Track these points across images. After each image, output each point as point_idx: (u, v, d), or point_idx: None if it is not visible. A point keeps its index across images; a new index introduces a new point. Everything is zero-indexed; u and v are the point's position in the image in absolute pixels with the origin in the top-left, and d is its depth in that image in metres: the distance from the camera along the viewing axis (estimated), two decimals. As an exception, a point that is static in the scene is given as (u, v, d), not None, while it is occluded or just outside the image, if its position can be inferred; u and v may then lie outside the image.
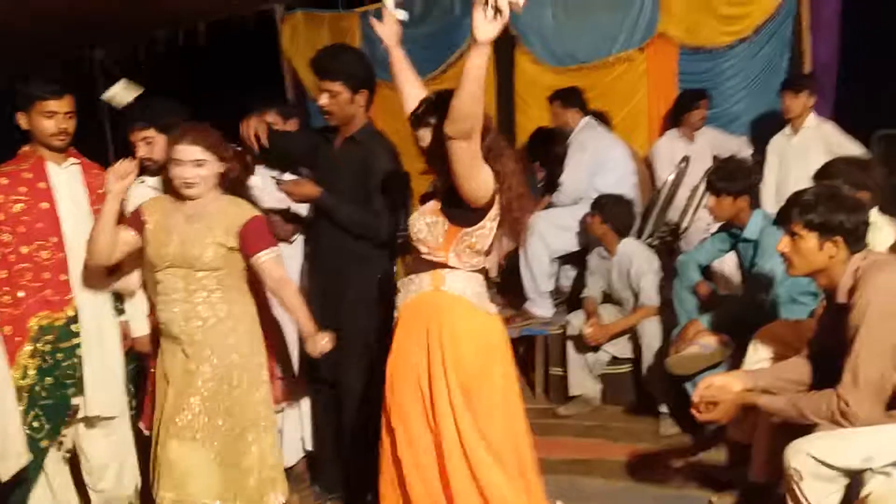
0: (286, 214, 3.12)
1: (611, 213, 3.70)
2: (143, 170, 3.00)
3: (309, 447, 3.22)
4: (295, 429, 3.18)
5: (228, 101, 4.20)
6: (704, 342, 3.09)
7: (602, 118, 4.65)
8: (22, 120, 2.63)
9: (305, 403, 3.18)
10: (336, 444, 2.94)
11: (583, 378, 3.83)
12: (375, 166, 2.76)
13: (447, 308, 2.14)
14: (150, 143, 2.94)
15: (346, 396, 2.82)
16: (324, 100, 2.75)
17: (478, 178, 2.01)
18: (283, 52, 6.07)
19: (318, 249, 2.92)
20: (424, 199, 2.30)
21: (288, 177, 3.03)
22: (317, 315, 2.79)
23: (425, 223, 2.16)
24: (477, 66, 1.82)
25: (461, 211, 2.08)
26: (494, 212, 2.11)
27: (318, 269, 2.91)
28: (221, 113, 3.51)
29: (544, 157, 5.01)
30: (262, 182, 3.00)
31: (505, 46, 5.47)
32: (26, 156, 2.68)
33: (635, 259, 3.66)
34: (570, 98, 4.46)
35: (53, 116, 2.60)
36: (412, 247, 2.24)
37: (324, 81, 2.74)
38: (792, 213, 2.13)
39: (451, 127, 1.89)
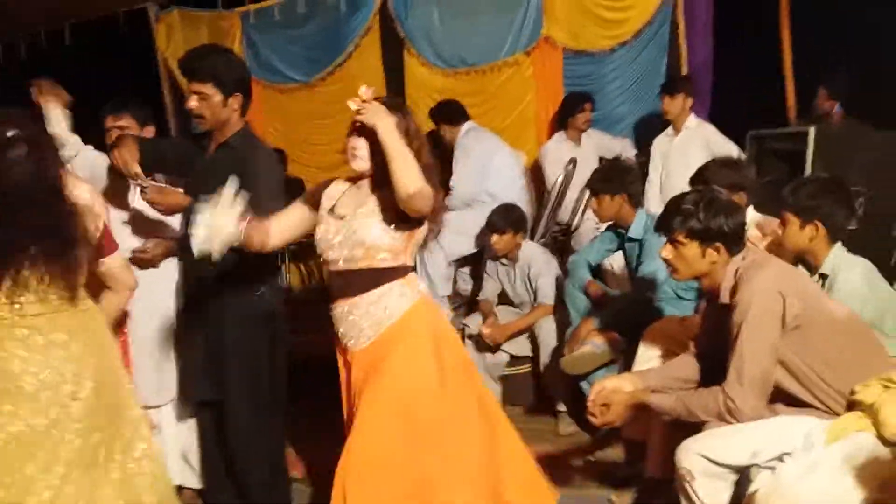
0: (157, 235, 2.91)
1: (511, 225, 3.71)
2: None
3: (178, 480, 2.95)
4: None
5: (100, 106, 3.94)
6: (596, 341, 3.16)
7: None
8: None
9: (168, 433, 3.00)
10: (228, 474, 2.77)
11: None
12: (251, 172, 2.59)
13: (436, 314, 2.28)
14: None
15: (230, 418, 2.61)
16: (193, 102, 2.54)
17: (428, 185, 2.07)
18: (159, 54, 5.76)
19: (192, 267, 2.65)
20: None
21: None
22: (195, 334, 2.66)
23: (382, 230, 2.13)
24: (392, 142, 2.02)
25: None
26: None
27: (193, 287, 2.68)
28: (94, 119, 3.30)
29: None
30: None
31: (394, 48, 5.43)
32: None
33: (534, 261, 3.72)
34: (453, 116, 4.48)
35: None
36: (346, 260, 2.16)
37: (193, 83, 2.55)
38: (673, 221, 2.19)
39: (413, 199, 2.02)
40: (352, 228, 2.15)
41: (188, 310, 2.74)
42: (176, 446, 2.97)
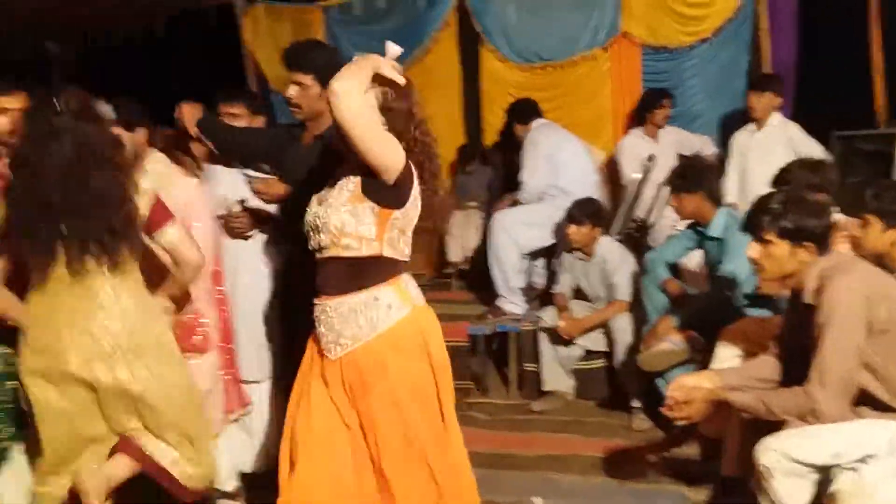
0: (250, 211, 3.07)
1: (589, 217, 3.76)
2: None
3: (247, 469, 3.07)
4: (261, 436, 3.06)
5: (190, 96, 4.14)
6: (674, 339, 3.18)
7: None
8: None
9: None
10: None
11: (556, 373, 3.90)
12: None
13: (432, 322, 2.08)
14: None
15: None
16: (292, 91, 2.66)
17: (384, 143, 1.90)
18: (245, 46, 5.98)
19: (300, 250, 2.87)
20: (307, 188, 2.22)
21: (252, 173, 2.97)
22: (299, 318, 2.81)
23: (346, 212, 1.93)
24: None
25: (385, 191, 1.92)
26: (416, 188, 1.99)
27: (303, 271, 2.86)
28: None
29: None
30: (229, 176, 2.97)
31: (470, 44, 5.51)
32: None
33: (610, 256, 3.77)
34: (525, 114, 4.53)
35: (6, 113, 2.58)
36: (319, 247, 2.00)
37: (294, 73, 2.66)
38: (762, 220, 2.21)
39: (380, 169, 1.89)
40: (320, 212, 1.99)
41: (292, 295, 2.88)
42: (261, 427, 3.09)
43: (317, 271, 2.04)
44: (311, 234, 2.03)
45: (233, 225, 3.01)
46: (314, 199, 2.08)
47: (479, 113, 5.61)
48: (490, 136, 5.58)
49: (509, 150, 5.20)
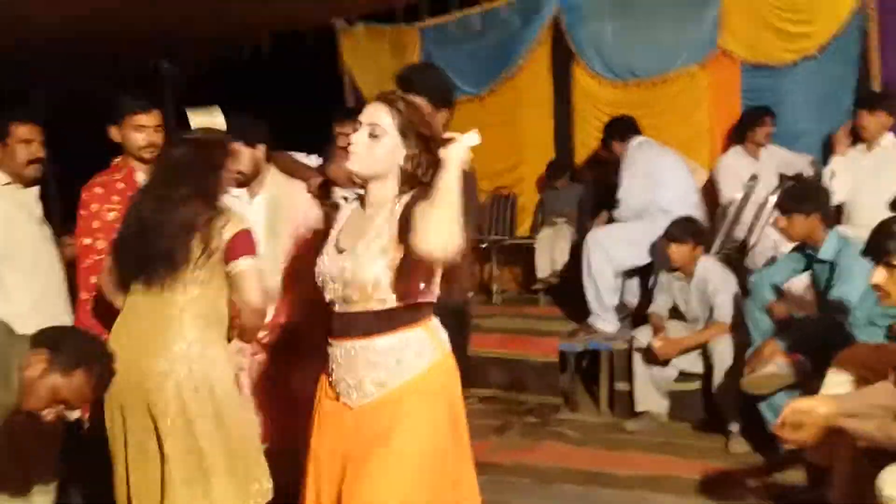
0: None
1: (691, 236, 3.72)
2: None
3: None
4: None
5: (291, 113, 4.32)
6: (780, 363, 3.10)
7: None
8: (114, 133, 2.81)
9: None
10: None
11: (650, 394, 3.86)
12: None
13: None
14: (237, 156, 3.07)
15: None
16: None
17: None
18: (344, 65, 6.19)
19: None
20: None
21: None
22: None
23: (382, 266, 1.75)
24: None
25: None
26: None
27: None
28: (286, 123, 3.67)
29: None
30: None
31: (563, 61, 5.54)
32: (118, 167, 2.85)
33: (712, 277, 3.71)
34: (624, 131, 4.51)
35: (143, 130, 2.76)
36: (340, 301, 1.81)
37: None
38: (888, 244, 2.14)
39: (432, 257, 1.67)
40: (346, 265, 1.77)
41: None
42: None
43: (333, 320, 1.85)
44: (328, 287, 1.83)
45: None
46: (328, 243, 1.90)
47: (570, 130, 5.63)
48: (581, 152, 5.59)
49: (603, 166, 5.21)
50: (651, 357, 3.80)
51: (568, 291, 4.96)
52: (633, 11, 5.21)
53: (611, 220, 4.50)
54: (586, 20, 5.37)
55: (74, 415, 2.42)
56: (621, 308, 4.39)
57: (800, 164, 4.47)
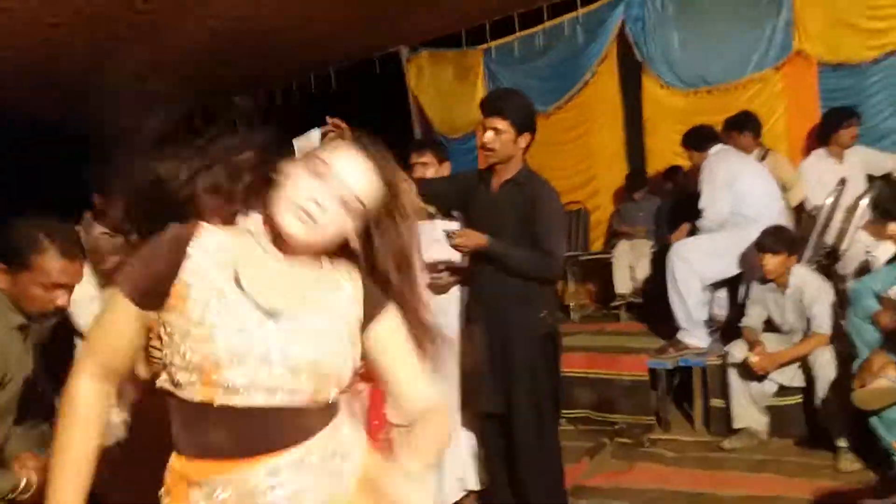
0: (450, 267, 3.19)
1: (785, 246, 3.62)
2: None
3: (471, 486, 3.31)
4: (455, 465, 3.27)
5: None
6: (891, 376, 2.98)
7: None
8: None
9: (464, 440, 3.28)
10: (511, 480, 3.00)
11: (748, 410, 3.75)
12: (544, 208, 2.82)
13: None
14: None
15: (518, 428, 2.87)
16: (488, 137, 2.79)
17: None
18: (410, 91, 6.28)
19: (481, 293, 2.97)
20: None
21: (446, 226, 3.08)
22: (485, 351, 2.91)
23: (349, 346, 1.34)
24: None
25: None
26: None
27: (482, 312, 2.97)
28: None
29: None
30: (432, 233, 3.11)
31: (632, 71, 5.49)
32: None
33: (808, 286, 3.59)
34: (702, 141, 4.43)
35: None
36: (270, 391, 1.26)
37: (490, 118, 2.80)
38: None
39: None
40: (296, 338, 1.28)
41: (476, 329, 2.99)
42: (467, 449, 3.28)
43: (222, 423, 1.27)
44: (246, 366, 1.27)
45: (438, 283, 3.16)
46: (226, 292, 1.32)
47: (642, 141, 5.57)
48: (654, 163, 5.52)
49: (680, 177, 5.14)
50: (748, 372, 3.69)
51: (650, 306, 4.88)
52: (701, 18, 5.15)
53: (692, 232, 4.41)
54: (653, 30, 5.32)
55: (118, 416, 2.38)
56: (710, 322, 4.28)
57: (889, 163, 4.32)
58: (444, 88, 6.14)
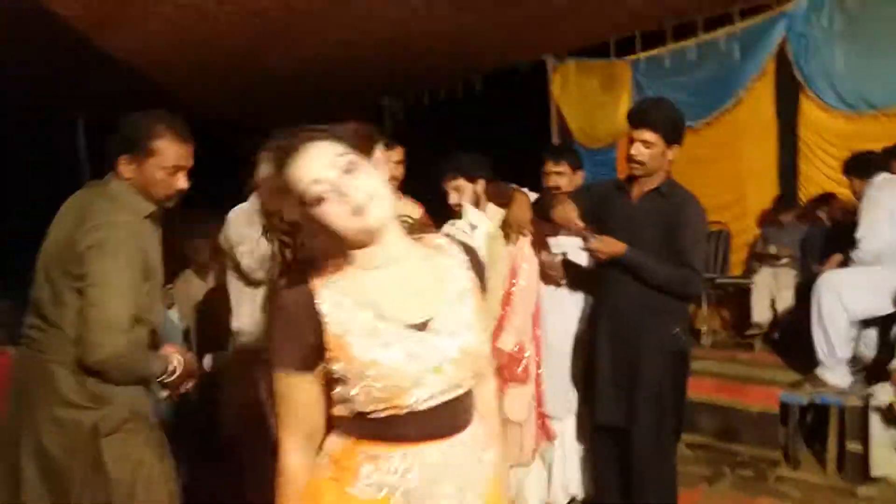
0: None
1: None
2: (453, 214, 3.33)
3: (573, 491, 3.29)
4: (562, 471, 3.30)
5: (498, 148, 4.45)
6: None
7: None
8: None
9: (573, 447, 3.27)
10: (622, 494, 2.95)
11: (889, 458, 3.46)
12: (690, 222, 2.75)
13: None
14: (459, 190, 3.25)
15: (636, 444, 2.82)
16: (637, 149, 2.75)
17: None
18: (553, 100, 6.28)
19: (609, 302, 2.94)
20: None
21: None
22: (609, 362, 2.87)
23: (478, 326, 1.45)
24: None
25: None
26: None
27: (609, 321, 2.94)
28: (496, 157, 3.78)
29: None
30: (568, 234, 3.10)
31: (789, 89, 5.22)
32: None
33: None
34: (866, 168, 4.12)
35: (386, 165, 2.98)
36: (442, 391, 1.38)
37: (639, 130, 2.76)
38: None
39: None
40: (453, 335, 1.39)
41: (603, 338, 2.95)
42: (576, 456, 3.30)
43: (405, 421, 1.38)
44: (422, 382, 1.38)
45: (549, 272, 3.18)
46: (376, 327, 1.39)
47: (796, 164, 5.27)
48: (807, 188, 5.23)
49: (834, 204, 4.83)
50: (893, 417, 3.41)
51: (787, 339, 4.61)
52: (869, 36, 4.82)
53: (844, 264, 4.12)
54: (816, 48, 5.03)
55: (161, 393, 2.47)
56: (855, 361, 3.98)
57: None
58: (589, 98, 6.09)
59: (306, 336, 1.33)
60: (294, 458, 1.38)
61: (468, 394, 1.43)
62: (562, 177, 3.34)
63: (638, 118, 2.77)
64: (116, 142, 2.19)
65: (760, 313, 4.94)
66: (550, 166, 3.34)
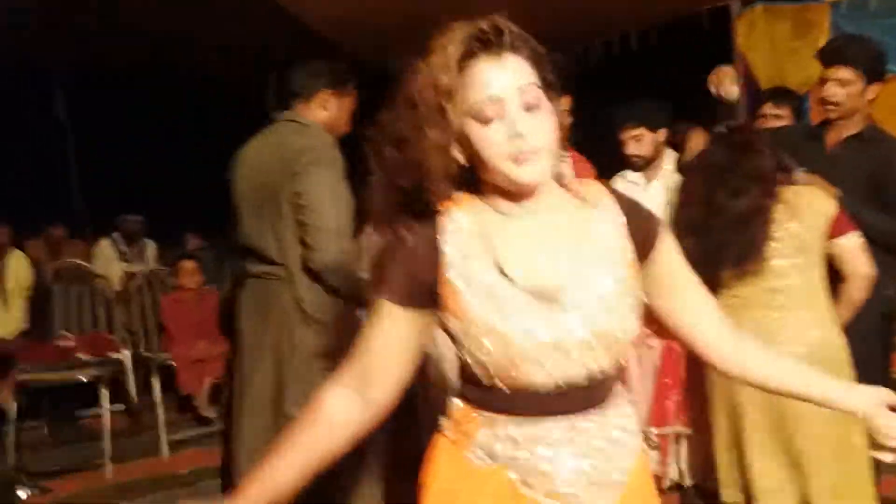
0: None
1: None
2: (629, 165, 3.23)
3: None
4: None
5: (676, 101, 4.22)
6: None
7: None
8: None
9: None
10: None
11: None
12: (890, 168, 2.52)
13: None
14: (639, 140, 3.14)
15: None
16: (832, 89, 2.56)
17: None
18: (737, 48, 5.87)
19: None
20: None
21: None
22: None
23: (633, 299, 1.28)
24: None
25: None
26: None
27: None
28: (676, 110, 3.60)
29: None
30: None
31: None
32: None
33: None
34: None
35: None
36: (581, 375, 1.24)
37: (833, 68, 2.57)
38: None
39: None
40: (583, 313, 1.21)
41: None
42: None
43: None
44: (542, 362, 1.25)
45: None
46: (493, 288, 1.25)
47: None
48: None
49: None
50: None
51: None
52: None
53: None
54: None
55: None
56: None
57: None
58: (779, 46, 5.63)
59: (419, 270, 1.21)
60: (332, 388, 1.27)
61: (605, 379, 1.26)
62: (781, 120, 3.14)
63: (832, 55, 2.56)
64: (323, 74, 2.35)
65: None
66: (770, 108, 3.15)
